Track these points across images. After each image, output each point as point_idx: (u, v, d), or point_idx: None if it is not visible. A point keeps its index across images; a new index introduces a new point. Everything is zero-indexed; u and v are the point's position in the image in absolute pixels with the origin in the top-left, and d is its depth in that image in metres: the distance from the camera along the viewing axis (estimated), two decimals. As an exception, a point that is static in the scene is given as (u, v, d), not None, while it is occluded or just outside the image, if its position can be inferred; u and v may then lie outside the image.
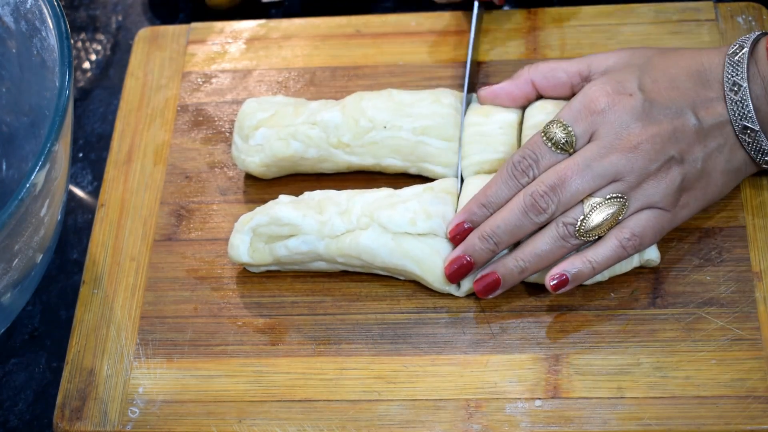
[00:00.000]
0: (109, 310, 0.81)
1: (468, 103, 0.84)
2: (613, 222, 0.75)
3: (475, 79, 0.87)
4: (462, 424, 0.74)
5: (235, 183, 0.86)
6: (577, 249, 0.76)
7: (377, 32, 0.93)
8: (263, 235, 0.79)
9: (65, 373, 0.78)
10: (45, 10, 0.73)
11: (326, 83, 0.91)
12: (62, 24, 0.72)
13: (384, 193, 0.80)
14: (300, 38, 0.93)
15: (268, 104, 0.85)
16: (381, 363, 0.77)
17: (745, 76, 0.74)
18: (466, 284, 0.78)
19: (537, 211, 0.75)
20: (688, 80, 0.76)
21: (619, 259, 0.75)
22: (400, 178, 0.84)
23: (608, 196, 0.74)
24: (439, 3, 0.92)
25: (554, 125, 0.76)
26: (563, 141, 0.75)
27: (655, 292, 0.78)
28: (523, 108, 0.83)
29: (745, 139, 0.76)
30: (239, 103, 0.90)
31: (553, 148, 0.76)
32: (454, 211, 0.79)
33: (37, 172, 0.66)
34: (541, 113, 0.81)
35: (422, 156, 0.82)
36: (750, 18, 0.89)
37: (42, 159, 0.66)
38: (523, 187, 0.76)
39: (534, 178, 0.76)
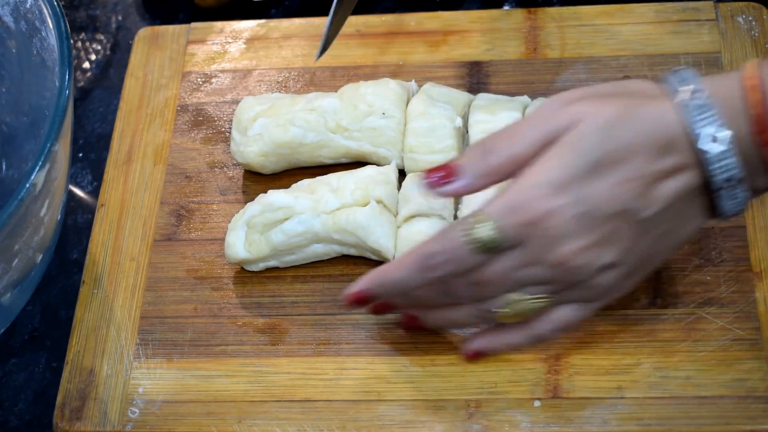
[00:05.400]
0: (109, 310, 0.81)
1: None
2: (535, 314, 0.71)
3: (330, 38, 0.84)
4: (462, 424, 0.74)
5: (235, 183, 0.86)
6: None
7: (377, 32, 0.93)
8: (257, 226, 0.79)
9: (65, 373, 0.78)
10: (45, 10, 0.73)
11: (326, 83, 0.91)
12: (62, 24, 0.72)
13: (374, 170, 0.81)
14: (300, 38, 0.93)
15: (264, 99, 0.86)
16: (381, 363, 0.77)
17: (722, 121, 0.65)
18: None
19: (451, 296, 0.71)
20: (644, 158, 0.66)
21: (538, 343, 0.73)
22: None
23: (530, 298, 0.69)
24: None
25: (483, 226, 0.67)
26: (490, 246, 0.67)
27: (655, 292, 0.78)
28: (523, 111, 0.83)
29: (722, 194, 0.67)
30: (239, 102, 0.90)
31: (474, 249, 0.67)
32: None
33: (37, 172, 0.66)
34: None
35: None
36: (750, 18, 0.89)
37: (42, 159, 0.66)
38: (432, 279, 0.70)
39: (447, 274, 0.69)
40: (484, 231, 0.67)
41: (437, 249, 0.68)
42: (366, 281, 0.72)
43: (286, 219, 0.79)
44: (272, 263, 0.81)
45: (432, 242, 0.69)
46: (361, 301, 0.73)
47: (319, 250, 0.80)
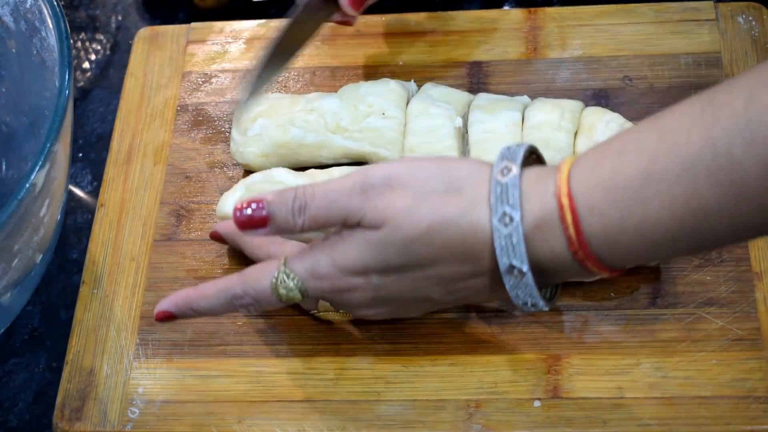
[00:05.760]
0: (109, 310, 0.81)
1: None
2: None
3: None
4: (462, 424, 0.74)
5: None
6: None
7: (377, 32, 0.93)
8: (255, 192, 0.79)
9: (65, 373, 0.78)
10: (45, 10, 0.73)
11: (326, 83, 0.91)
12: (62, 24, 0.72)
13: None
14: (300, 38, 0.93)
15: (264, 99, 0.86)
16: (381, 363, 0.77)
17: (524, 258, 0.64)
18: None
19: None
20: (447, 265, 0.67)
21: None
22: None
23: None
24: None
25: (289, 283, 0.70)
26: (293, 302, 0.71)
27: (655, 292, 0.78)
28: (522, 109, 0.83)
29: (522, 308, 0.68)
30: (239, 103, 0.90)
31: (278, 299, 0.71)
32: None
33: (37, 172, 0.66)
34: (540, 113, 0.81)
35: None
36: (750, 18, 0.89)
37: (42, 159, 0.66)
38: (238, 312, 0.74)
39: (252, 311, 0.73)
40: (289, 288, 0.70)
41: (245, 291, 0.71)
42: (172, 303, 0.73)
43: None
44: None
45: (240, 282, 0.72)
46: (166, 319, 0.74)
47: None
